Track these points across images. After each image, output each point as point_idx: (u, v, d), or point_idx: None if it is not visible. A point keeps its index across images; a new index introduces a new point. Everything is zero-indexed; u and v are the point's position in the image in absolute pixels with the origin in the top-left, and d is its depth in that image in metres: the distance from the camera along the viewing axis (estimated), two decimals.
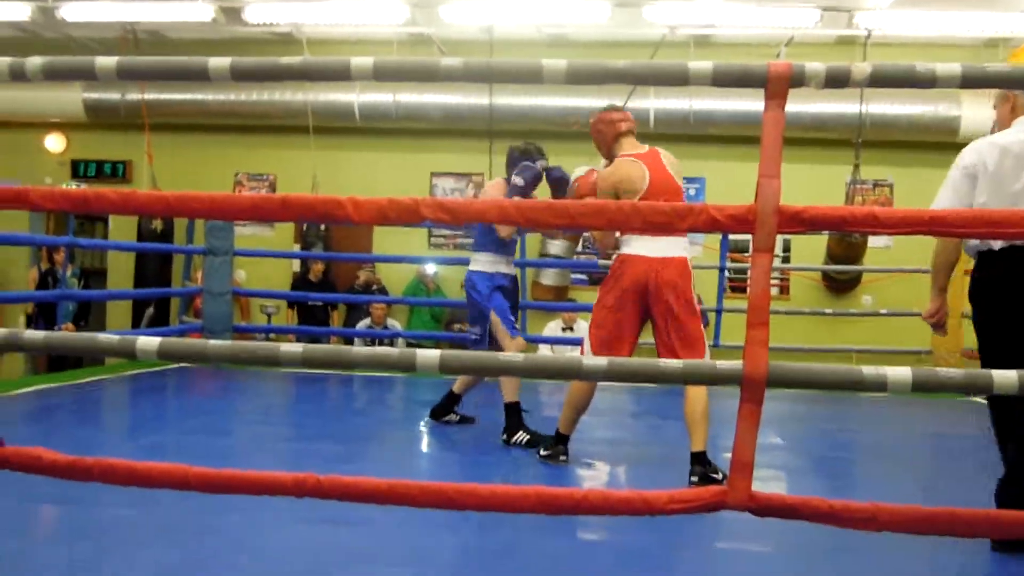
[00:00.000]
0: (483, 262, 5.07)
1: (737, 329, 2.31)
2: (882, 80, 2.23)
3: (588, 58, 2.26)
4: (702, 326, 4.14)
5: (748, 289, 2.20)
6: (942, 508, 2.24)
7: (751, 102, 8.95)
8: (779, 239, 9.89)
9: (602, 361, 2.20)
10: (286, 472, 2.32)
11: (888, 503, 2.25)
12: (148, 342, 2.30)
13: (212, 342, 2.30)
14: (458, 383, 5.33)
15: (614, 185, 4.11)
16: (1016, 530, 2.21)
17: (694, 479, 3.90)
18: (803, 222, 2.20)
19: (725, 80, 2.22)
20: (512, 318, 5.01)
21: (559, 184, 4.96)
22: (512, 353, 2.20)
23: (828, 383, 2.28)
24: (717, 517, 2.39)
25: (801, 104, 9.26)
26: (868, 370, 2.20)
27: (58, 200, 2.43)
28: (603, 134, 4.33)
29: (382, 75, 2.25)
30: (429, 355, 2.22)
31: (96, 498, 2.96)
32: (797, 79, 2.17)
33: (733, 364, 2.20)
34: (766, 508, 2.22)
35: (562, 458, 4.35)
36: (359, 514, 2.62)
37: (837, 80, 2.19)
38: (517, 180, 4.80)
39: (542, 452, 4.42)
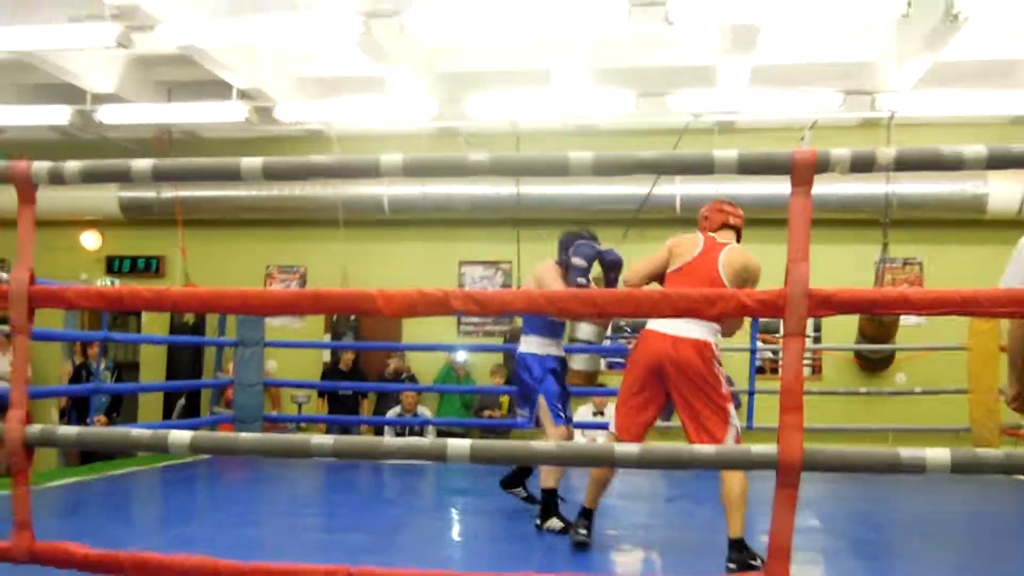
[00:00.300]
0: (535, 344, 5.04)
1: (770, 410, 2.28)
2: (908, 164, 2.25)
3: (614, 146, 2.32)
4: (730, 407, 4.07)
5: (780, 373, 2.19)
6: None
7: (776, 185, 8.98)
8: (810, 319, 9.86)
9: (634, 448, 2.19)
10: (318, 564, 2.31)
11: None
12: (180, 436, 2.32)
13: (243, 435, 2.31)
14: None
15: (670, 247, 4.27)
16: None
17: (731, 566, 3.81)
18: (833, 306, 2.20)
19: (750, 168, 2.24)
20: (559, 405, 4.94)
21: (613, 267, 4.93)
22: (544, 441, 2.19)
23: (865, 466, 2.25)
24: None
25: (828, 185, 9.28)
26: (905, 452, 2.18)
27: (93, 299, 2.49)
28: (710, 220, 4.42)
29: (411, 172, 2.31)
30: (460, 444, 2.23)
31: None
32: (822, 165, 2.19)
33: (768, 449, 2.18)
34: None
35: (581, 531, 4.28)
36: None
37: (863, 165, 2.21)
38: (579, 262, 4.77)
39: (572, 536, 4.34)
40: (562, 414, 4.96)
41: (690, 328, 3.97)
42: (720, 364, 4.08)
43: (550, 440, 4.84)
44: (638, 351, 4.16)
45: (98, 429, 2.32)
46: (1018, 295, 2.12)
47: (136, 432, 2.44)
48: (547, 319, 5.01)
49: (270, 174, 2.39)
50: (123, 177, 2.49)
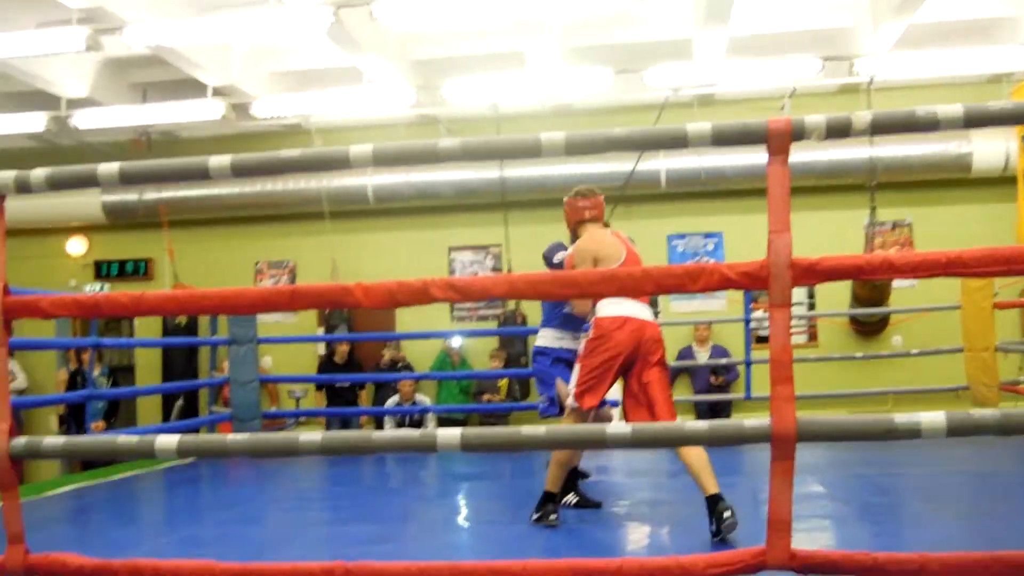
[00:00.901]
0: (548, 337, 5.21)
1: (767, 380, 2.25)
2: (884, 127, 2.22)
3: (594, 125, 2.30)
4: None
5: (770, 344, 2.17)
6: (993, 553, 2.17)
7: (760, 154, 8.93)
8: (804, 287, 9.83)
9: (626, 429, 2.17)
10: (314, 562, 2.28)
11: (936, 551, 2.19)
12: (167, 441, 2.30)
13: (231, 436, 2.29)
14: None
15: (594, 254, 4.36)
16: None
17: (727, 515, 3.84)
18: (817, 274, 2.18)
19: (725, 140, 2.22)
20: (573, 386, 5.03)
21: None
22: (535, 427, 2.17)
23: (859, 434, 2.24)
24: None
25: (813, 152, 9.29)
26: (900, 418, 2.16)
27: (69, 307, 2.45)
28: (569, 217, 4.66)
29: (381, 161, 2.27)
30: (450, 434, 2.21)
31: None
32: (798, 133, 2.16)
33: (761, 422, 2.16)
34: (808, 566, 2.16)
35: (552, 517, 4.34)
36: None
37: (838, 131, 2.18)
38: (556, 259, 5.01)
39: (533, 516, 4.41)
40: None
41: (648, 311, 4.27)
42: None
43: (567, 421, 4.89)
44: (611, 338, 4.19)
45: (83, 438, 2.30)
46: (1002, 254, 2.09)
47: (123, 439, 2.41)
48: (562, 312, 5.09)
49: (239, 171, 2.36)
50: (91, 182, 2.46)
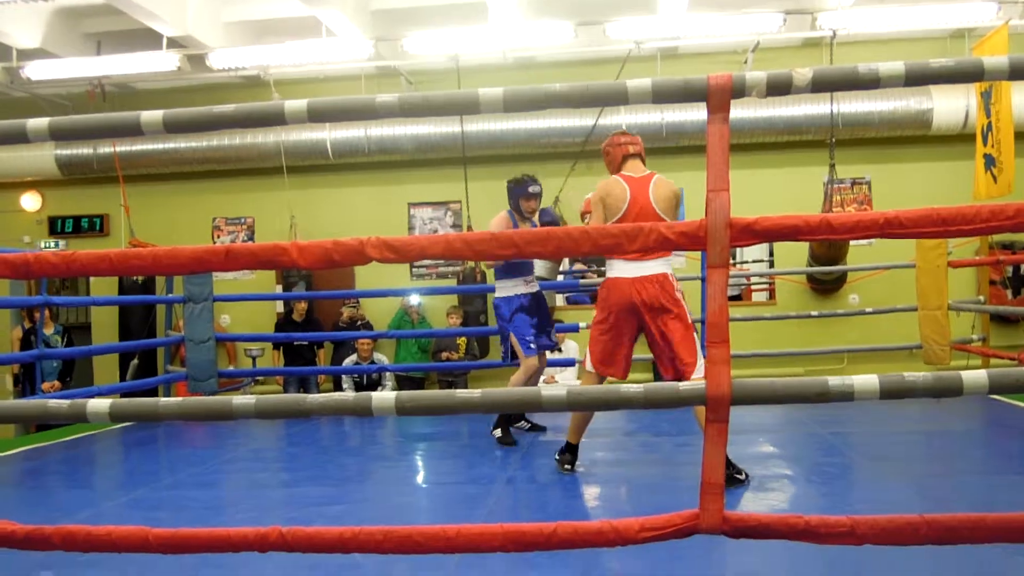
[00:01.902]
0: (502, 288, 5.63)
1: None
2: (825, 84, 2.19)
3: (556, 78, 2.26)
4: (695, 336, 4.38)
5: (706, 305, 2.15)
6: (923, 516, 2.18)
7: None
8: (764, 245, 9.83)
9: (561, 392, 2.15)
10: (250, 528, 2.25)
11: (881, 512, 2.20)
12: (99, 405, 2.25)
13: (163, 401, 2.24)
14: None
15: (601, 199, 4.44)
16: (998, 535, 2.15)
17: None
18: (756, 234, 2.16)
19: (665, 97, 2.18)
20: (529, 336, 5.48)
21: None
22: (470, 390, 2.14)
23: (794, 397, 2.23)
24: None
25: (775, 108, 9.27)
26: (834, 380, 2.16)
27: None
28: (611, 156, 4.67)
29: (317, 116, 2.21)
30: (385, 398, 2.18)
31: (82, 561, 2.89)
32: (738, 90, 2.13)
33: (696, 385, 2.15)
34: (740, 530, 2.17)
35: (567, 467, 4.67)
36: (342, 559, 2.53)
37: (779, 88, 2.15)
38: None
39: (558, 461, 4.75)
40: (533, 345, 5.49)
41: (648, 266, 4.28)
42: (682, 294, 4.38)
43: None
44: (610, 298, 4.38)
45: (11, 402, 2.25)
46: (939, 215, 2.08)
47: (53, 403, 2.35)
48: (508, 263, 5.50)
49: (172, 127, 2.29)
50: (19, 138, 2.38)
